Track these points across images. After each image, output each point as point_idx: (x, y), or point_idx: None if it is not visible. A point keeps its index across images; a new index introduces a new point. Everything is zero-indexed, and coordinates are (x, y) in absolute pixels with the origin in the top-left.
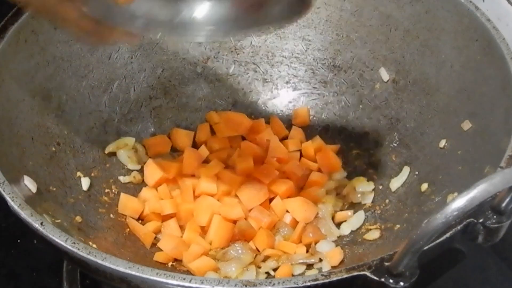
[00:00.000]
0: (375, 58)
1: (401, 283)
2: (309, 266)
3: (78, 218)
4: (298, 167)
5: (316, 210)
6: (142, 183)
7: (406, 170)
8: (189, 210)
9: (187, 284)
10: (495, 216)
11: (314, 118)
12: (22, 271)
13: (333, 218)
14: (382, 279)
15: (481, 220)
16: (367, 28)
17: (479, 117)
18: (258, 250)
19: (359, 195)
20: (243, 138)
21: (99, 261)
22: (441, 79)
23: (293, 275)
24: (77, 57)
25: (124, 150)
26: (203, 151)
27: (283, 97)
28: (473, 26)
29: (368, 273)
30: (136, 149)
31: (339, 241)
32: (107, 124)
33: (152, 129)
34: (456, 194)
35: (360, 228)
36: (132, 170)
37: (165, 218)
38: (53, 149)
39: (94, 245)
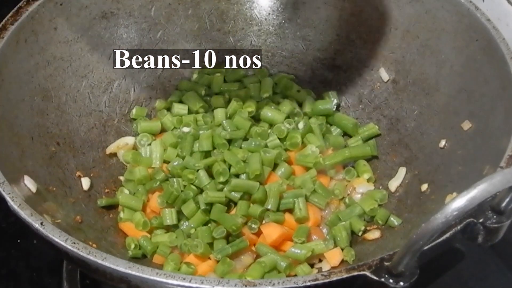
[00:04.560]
0: (375, 58)
1: (401, 283)
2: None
3: (78, 218)
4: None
5: (320, 213)
6: None
7: (402, 171)
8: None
9: (187, 284)
10: (495, 216)
11: None
12: (22, 271)
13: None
14: (382, 279)
15: (481, 220)
16: (367, 28)
17: (479, 117)
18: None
19: (359, 195)
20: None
21: (99, 261)
22: (441, 79)
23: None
24: (77, 57)
25: (124, 150)
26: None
27: None
28: (473, 26)
29: (368, 273)
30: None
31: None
32: (107, 124)
33: None
34: (455, 194)
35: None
36: None
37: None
38: (53, 149)
39: (94, 245)
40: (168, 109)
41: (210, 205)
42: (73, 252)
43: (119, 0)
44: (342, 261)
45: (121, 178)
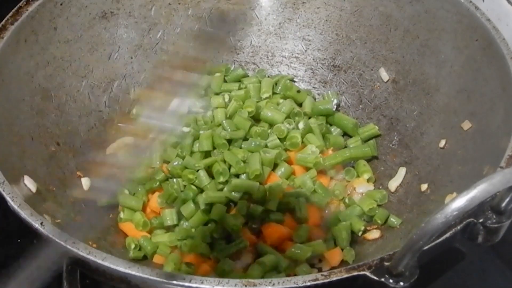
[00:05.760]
0: (375, 58)
1: (401, 283)
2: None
3: (78, 218)
4: None
5: (320, 213)
6: None
7: (402, 171)
8: None
9: (187, 284)
10: (495, 216)
11: None
12: (22, 271)
13: None
14: (382, 279)
15: (481, 220)
16: (367, 28)
17: (479, 117)
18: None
19: (359, 195)
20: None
21: (99, 261)
22: (441, 79)
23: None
24: (77, 57)
25: (124, 150)
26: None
27: None
28: (473, 26)
29: (368, 273)
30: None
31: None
32: (107, 124)
33: None
34: (455, 194)
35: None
36: None
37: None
38: (53, 149)
39: (94, 245)
40: None
41: (210, 205)
42: (73, 252)
43: (119, 0)
44: (342, 261)
45: None
